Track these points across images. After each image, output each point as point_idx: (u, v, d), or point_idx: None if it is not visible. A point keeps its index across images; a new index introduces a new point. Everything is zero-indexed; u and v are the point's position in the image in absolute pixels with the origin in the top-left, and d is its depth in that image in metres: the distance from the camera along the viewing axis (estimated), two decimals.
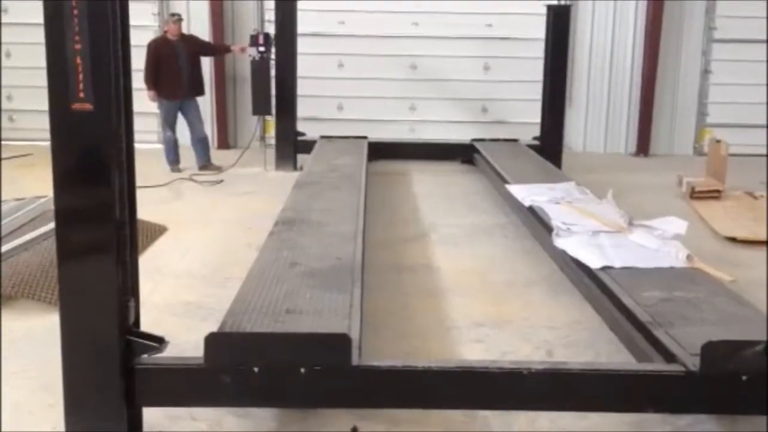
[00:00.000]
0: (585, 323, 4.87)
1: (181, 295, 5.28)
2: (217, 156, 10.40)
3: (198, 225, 7.21)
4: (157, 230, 6.80)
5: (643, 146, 11.93)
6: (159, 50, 9.54)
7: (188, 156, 9.94)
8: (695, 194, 8.40)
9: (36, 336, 4.46)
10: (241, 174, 9.69)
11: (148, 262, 5.81)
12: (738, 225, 7.28)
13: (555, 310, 5.14)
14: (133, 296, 3.23)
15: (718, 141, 9.46)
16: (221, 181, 9.35)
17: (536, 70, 10.83)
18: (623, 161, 11.48)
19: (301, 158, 9.75)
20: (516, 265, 6.15)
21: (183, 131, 10.00)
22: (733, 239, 6.87)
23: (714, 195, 8.42)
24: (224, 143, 11.76)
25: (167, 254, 6.26)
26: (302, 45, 10.44)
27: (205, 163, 9.93)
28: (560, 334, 4.73)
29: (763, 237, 6.85)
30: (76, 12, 2.85)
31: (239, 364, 3.18)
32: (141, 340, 3.22)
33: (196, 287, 5.48)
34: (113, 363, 3.10)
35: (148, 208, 6.62)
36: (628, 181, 8.89)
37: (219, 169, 9.86)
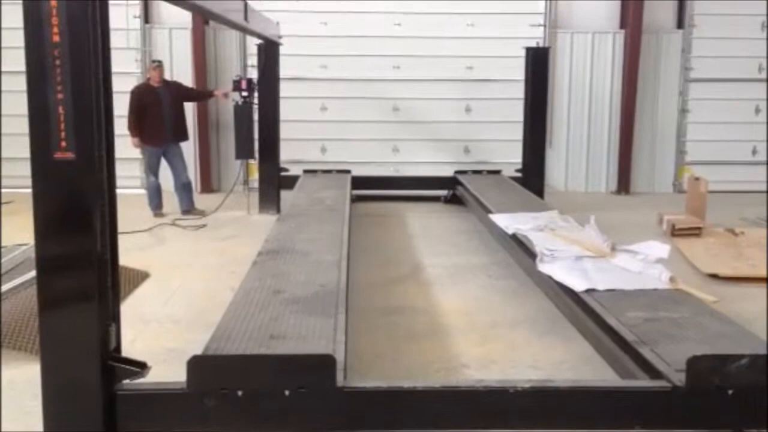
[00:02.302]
0: (569, 363, 4.88)
1: (164, 342, 5.23)
2: (200, 200, 10.40)
3: (181, 270, 7.17)
4: (140, 276, 6.75)
5: (623, 184, 12.08)
6: (142, 97, 9.58)
7: (172, 201, 9.92)
8: (676, 231, 8.47)
9: (16, 387, 4.40)
10: (224, 218, 9.68)
11: (130, 308, 5.77)
12: (719, 261, 7.34)
13: (539, 350, 5.15)
14: (114, 321, 3.19)
15: (697, 178, 9.59)
16: (204, 225, 9.33)
17: (517, 111, 11.00)
18: (604, 199, 11.58)
19: (285, 194, 9.75)
20: (500, 306, 6.16)
21: (166, 176, 10.00)
22: (714, 276, 6.91)
23: (694, 232, 8.49)
24: (208, 187, 11.78)
25: (150, 300, 6.21)
26: (285, 89, 10.54)
27: (189, 208, 9.92)
28: (545, 375, 4.71)
29: (743, 273, 6.92)
30: (58, 62, 2.87)
31: (222, 388, 3.14)
32: (123, 365, 3.18)
33: (180, 333, 5.43)
34: (94, 389, 3.06)
35: (130, 253, 6.63)
36: (609, 219, 8.92)
37: (202, 213, 9.85)
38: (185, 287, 6.59)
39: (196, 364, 3.17)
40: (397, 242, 8.48)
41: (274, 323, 3.99)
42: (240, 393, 3.13)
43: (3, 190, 10.58)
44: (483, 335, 5.46)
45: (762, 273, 6.82)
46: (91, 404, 3.07)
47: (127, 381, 3.19)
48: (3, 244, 7.10)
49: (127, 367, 3.19)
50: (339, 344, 3.73)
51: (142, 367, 3.22)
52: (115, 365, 3.15)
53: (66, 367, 3.06)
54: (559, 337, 5.27)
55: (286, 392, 3.13)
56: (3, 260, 6.45)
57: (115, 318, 3.20)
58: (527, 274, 6.34)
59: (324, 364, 3.20)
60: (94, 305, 3.03)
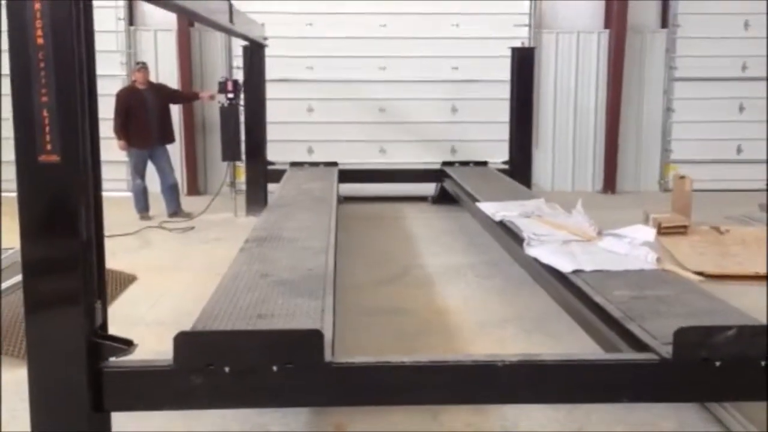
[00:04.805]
0: None
1: (152, 345, 5.16)
2: (187, 203, 10.36)
3: (168, 273, 7.14)
4: (127, 279, 6.73)
5: (609, 184, 12.14)
6: (128, 99, 9.54)
7: (158, 203, 9.88)
8: (662, 230, 8.50)
9: (4, 391, 4.37)
10: (211, 220, 9.64)
11: (117, 311, 5.73)
12: (705, 260, 7.38)
13: (527, 348, 5.16)
14: (100, 299, 3.16)
15: (683, 177, 9.63)
16: (191, 228, 9.29)
17: (503, 111, 11.03)
18: (591, 199, 11.54)
19: (272, 188, 9.69)
20: (488, 305, 6.17)
21: (153, 178, 9.96)
22: (700, 274, 6.94)
23: (680, 230, 8.54)
24: (194, 190, 11.74)
25: (137, 303, 6.18)
26: (271, 90, 10.52)
27: (175, 210, 9.88)
28: None
29: (730, 271, 6.97)
30: (42, 65, 2.85)
31: (209, 365, 3.12)
32: (108, 342, 3.16)
33: (167, 336, 5.37)
34: (80, 366, 3.05)
35: (117, 256, 6.59)
36: (595, 218, 8.95)
37: (189, 215, 9.81)
38: (172, 290, 6.56)
39: (182, 341, 3.14)
40: (385, 244, 8.47)
41: (261, 304, 3.97)
42: (227, 369, 3.10)
43: None
44: (472, 334, 5.47)
45: (748, 271, 6.87)
46: (77, 381, 3.05)
47: (113, 358, 3.17)
48: None
49: (113, 344, 3.17)
50: (327, 322, 3.71)
51: (128, 344, 3.20)
52: (100, 342, 3.12)
53: (52, 347, 3.04)
54: (547, 335, 5.31)
55: (274, 368, 3.10)
56: None
57: (101, 295, 3.17)
58: (520, 271, 6.35)
59: (312, 339, 3.16)
60: (80, 309, 3.01)
